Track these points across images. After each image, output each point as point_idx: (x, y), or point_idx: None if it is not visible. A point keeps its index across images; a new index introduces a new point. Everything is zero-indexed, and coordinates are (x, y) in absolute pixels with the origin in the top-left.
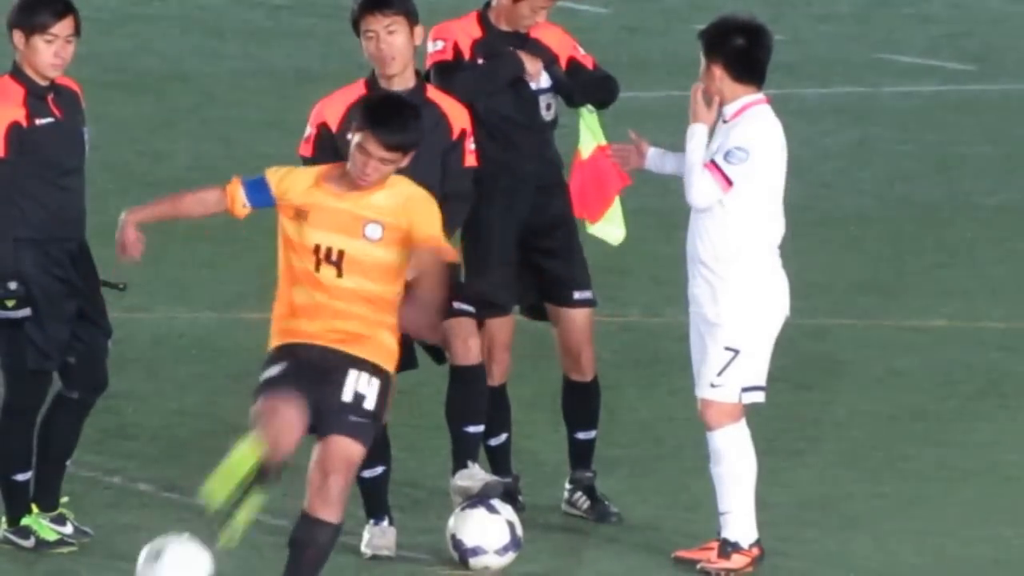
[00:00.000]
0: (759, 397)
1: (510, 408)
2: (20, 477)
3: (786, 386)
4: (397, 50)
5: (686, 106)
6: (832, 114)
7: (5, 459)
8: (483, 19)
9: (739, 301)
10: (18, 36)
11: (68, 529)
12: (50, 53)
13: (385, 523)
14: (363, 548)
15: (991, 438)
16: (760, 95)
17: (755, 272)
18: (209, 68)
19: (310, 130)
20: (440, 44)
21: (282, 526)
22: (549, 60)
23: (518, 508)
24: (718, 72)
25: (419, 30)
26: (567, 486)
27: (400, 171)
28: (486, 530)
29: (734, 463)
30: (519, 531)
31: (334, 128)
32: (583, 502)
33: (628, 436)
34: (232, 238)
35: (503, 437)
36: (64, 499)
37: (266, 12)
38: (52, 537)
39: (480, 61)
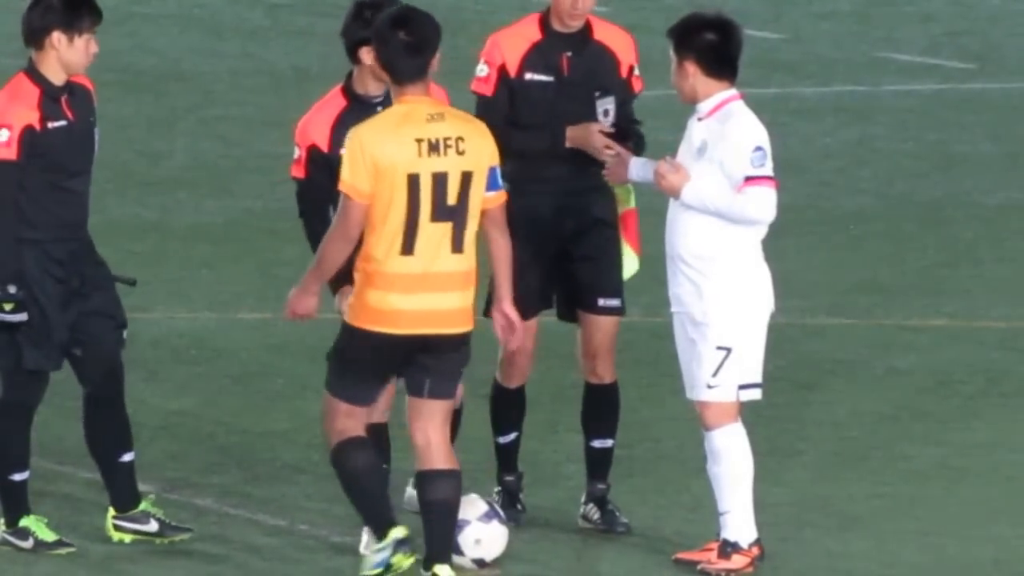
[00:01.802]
0: (756, 394)
1: (525, 411)
2: (17, 477)
3: (786, 385)
4: None
5: (687, 104)
6: (832, 113)
7: (2, 460)
8: (544, 21)
9: (726, 298)
10: (58, 37)
11: (153, 526)
12: (89, 52)
13: None
14: (362, 549)
15: (992, 438)
16: (735, 91)
17: (740, 268)
18: (207, 67)
19: (299, 152)
20: (484, 70)
21: (281, 526)
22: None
23: (518, 510)
24: (691, 68)
25: None
26: (582, 499)
27: None
28: (463, 506)
29: (733, 463)
30: (499, 508)
31: (325, 148)
32: (593, 512)
33: (628, 436)
34: (232, 238)
35: (512, 436)
36: (151, 496)
37: (264, 11)
38: (51, 538)
39: (528, 76)
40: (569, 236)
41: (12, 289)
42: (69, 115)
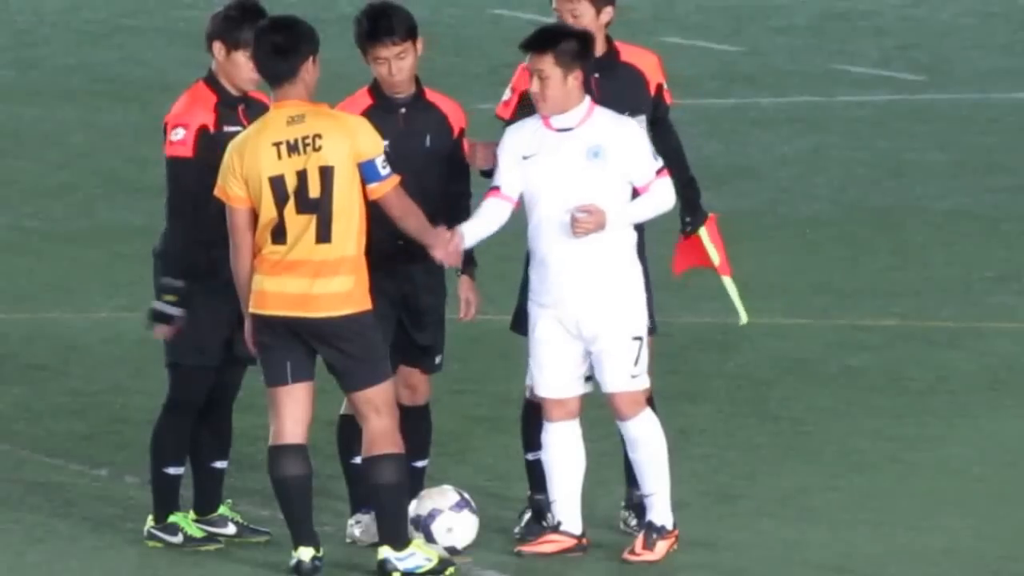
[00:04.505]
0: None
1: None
2: (172, 471)
3: (745, 383)
4: (407, 73)
5: (550, 114)
6: (788, 122)
7: (159, 453)
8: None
9: (627, 290)
10: (219, 47)
11: (230, 530)
12: (249, 68)
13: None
14: (350, 535)
15: (940, 433)
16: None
17: (627, 260)
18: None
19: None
20: (507, 95)
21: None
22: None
23: (543, 526)
24: (579, 76)
25: (420, 43)
26: (622, 503)
27: (410, 174)
28: (434, 497)
29: (653, 446)
30: (469, 498)
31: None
32: (631, 519)
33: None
34: None
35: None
36: (228, 501)
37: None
38: (199, 534)
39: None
40: None
41: (180, 283)
42: (244, 123)
